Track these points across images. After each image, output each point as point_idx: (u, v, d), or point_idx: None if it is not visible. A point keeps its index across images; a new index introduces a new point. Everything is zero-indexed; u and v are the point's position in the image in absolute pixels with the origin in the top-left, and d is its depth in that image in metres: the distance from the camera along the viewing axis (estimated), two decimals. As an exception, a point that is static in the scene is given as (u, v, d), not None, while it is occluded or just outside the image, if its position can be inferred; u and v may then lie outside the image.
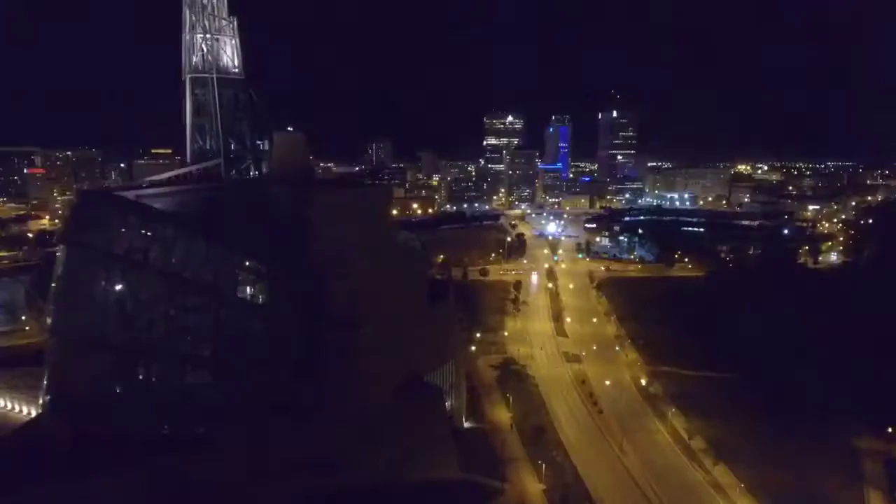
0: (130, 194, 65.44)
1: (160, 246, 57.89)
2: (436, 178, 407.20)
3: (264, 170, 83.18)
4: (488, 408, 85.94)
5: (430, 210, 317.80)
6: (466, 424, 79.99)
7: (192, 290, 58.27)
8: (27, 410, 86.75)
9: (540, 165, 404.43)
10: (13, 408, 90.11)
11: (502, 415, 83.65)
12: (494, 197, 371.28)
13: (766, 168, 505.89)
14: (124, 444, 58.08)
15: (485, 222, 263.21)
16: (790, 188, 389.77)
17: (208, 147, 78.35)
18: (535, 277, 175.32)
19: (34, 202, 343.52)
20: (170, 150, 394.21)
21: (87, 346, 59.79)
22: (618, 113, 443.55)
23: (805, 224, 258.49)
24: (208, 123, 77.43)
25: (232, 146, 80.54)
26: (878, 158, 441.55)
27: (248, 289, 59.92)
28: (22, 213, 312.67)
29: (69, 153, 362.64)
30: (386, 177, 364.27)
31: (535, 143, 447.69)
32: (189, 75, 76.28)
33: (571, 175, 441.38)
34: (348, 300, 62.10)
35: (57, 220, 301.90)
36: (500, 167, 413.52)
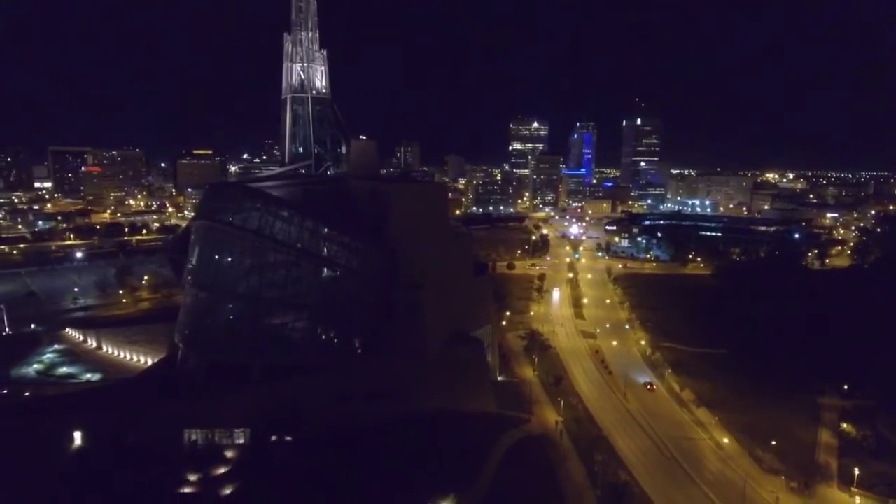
0: (253, 185, 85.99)
1: (279, 223, 77.92)
2: (462, 181, 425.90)
3: (341, 169, 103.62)
4: (517, 367, 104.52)
5: (458, 212, 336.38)
6: (500, 378, 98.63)
7: (301, 256, 78.05)
8: (145, 360, 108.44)
9: (564, 170, 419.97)
10: (132, 358, 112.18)
11: (529, 372, 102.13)
12: (519, 200, 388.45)
13: (791, 176, 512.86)
14: (247, 372, 77.96)
15: (510, 223, 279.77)
16: (811, 196, 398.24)
17: (301, 151, 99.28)
18: (557, 272, 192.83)
19: (90, 198, 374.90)
20: (210, 151, 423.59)
21: (220, 297, 79.84)
22: (642, 120, 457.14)
23: (821, 230, 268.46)
24: (301, 132, 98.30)
25: (316, 150, 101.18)
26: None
27: (343, 257, 79.51)
28: (79, 207, 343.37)
29: (114, 153, 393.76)
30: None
31: (560, 148, 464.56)
32: (289, 94, 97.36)
33: (595, 180, 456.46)
34: (415, 268, 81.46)
35: (119, 214, 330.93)
36: (525, 171, 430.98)
